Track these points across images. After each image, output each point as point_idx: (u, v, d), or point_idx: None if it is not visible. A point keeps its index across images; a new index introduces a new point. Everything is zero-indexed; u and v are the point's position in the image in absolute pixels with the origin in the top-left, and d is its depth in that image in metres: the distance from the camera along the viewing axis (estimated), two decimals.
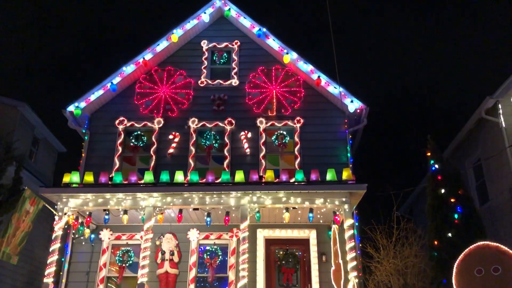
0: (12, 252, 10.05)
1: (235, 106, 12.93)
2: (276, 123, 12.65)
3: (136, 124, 12.77)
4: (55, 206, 10.19)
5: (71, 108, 12.45)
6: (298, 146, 12.36)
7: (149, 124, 12.74)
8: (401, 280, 10.72)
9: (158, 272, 10.92)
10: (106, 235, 11.50)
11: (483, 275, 7.70)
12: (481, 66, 35.57)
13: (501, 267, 7.63)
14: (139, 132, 12.74)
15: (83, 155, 12.43)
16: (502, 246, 7.83)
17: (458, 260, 8.04)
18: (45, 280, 9.39)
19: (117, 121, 12.75)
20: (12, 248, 10.00)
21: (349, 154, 12.16)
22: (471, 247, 8.03)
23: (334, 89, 12.53)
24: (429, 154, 10.44)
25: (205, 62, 13.65)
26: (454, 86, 35.15)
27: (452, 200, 9.62)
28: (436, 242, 9.52)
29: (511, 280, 7.51)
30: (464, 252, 8.04)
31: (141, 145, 12.63)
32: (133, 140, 12.65)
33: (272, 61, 13.51)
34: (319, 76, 12.67)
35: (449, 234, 9.30)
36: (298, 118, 12.63)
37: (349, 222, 9.69)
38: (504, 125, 11.46)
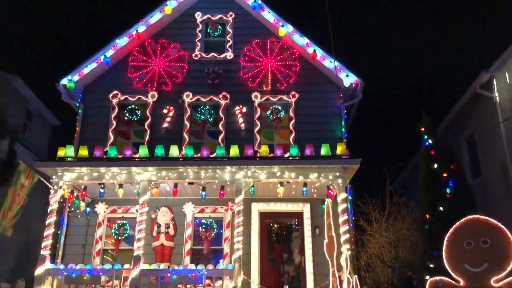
0: (8, 225, 10.13)
1: (230, 80, 12.82)
2: (271, 98, 12.58)
3: (130, 98, 12.66)
4: (50, 180, 10.21)
5: (64, 81, 12.32)
6: (293, 121, 12.35)
7: (143, 98, 12.64)
8: (392, 253, 10.96)
9: (154, 245, 11.09)
10: (101, 209, 11.57)
11: (472, 248, 7.88)
12: (476, 40, 35.30)
13: (489, 240, 7.81)
14: (133, 106, 12.66)
15: (77, 129, 12.37)
16: (491, 220, 7.99)
17: (448, 233, 8.21)
18: (42, 252, 9.50)
19: (110, 95, 12.64)
20: (8, 221, 10.07)
21: (343, 129, 12.17)
22: (461, 220, 8.19)
23: (330, 63, 12.41)
24: (422, 129, 10.49)
25: (199, 34, 13.44)
26: (449, 61, 34.96)
27: (445, 175, 9.73)
28: (428, 216, 9.67)
29: (499, 252, 7.69)
30: (455, 225, 8.20)
31: (135, 119, 12.58)
32: (127, 114, 12.58)
33: (268, 34, 13.32)
34: (314, 50, 12.53)
35: (441, 208, 9.44)
36: (293, 92, 12.56)
37: (342, 196, 9.80)
38: (498, 100, 11.46)
